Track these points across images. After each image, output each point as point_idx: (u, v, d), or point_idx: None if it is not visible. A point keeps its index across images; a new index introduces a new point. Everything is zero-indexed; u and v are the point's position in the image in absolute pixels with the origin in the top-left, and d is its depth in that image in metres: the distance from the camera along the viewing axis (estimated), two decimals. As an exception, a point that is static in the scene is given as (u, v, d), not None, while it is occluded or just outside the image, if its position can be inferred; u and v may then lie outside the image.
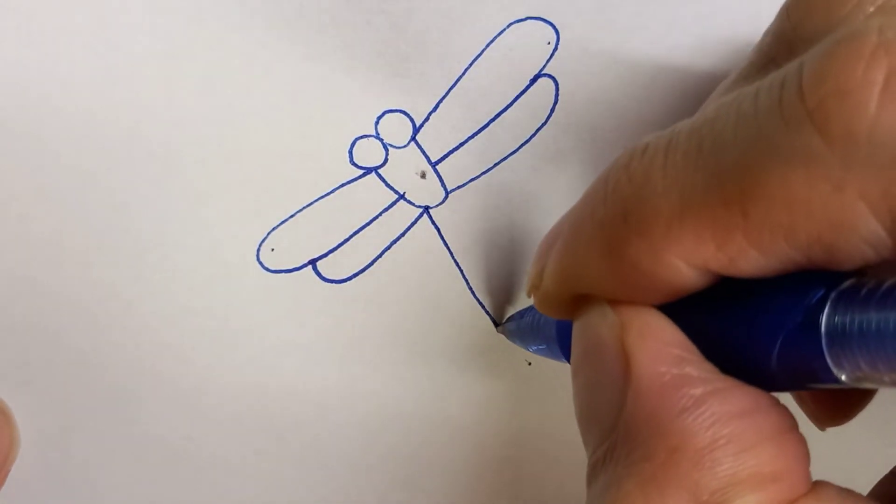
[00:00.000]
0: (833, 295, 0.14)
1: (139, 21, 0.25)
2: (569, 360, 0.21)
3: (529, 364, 0.28)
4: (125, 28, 0.25)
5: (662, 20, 0.26)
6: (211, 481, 0.27)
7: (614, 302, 0.17)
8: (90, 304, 0.26)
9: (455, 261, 0.27)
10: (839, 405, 0.19)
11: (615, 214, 0.16)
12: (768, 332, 0.15)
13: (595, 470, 0.16)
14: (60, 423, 0.27)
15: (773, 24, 0.20)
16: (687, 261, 0.15)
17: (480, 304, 0.27)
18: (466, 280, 0.27)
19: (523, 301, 0.28)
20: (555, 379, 0.28)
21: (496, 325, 0.28)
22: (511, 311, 0.27)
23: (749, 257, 0.14)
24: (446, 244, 0.27)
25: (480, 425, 0.28)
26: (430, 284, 0.27)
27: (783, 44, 0.19)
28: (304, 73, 0.26)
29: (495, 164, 0.27)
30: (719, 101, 0.15)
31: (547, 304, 0.19)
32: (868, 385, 0.14)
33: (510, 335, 0.27)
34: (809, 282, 0.15)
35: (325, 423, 0.27)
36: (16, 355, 0.26)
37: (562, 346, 0.22)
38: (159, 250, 0.26)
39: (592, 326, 0.17)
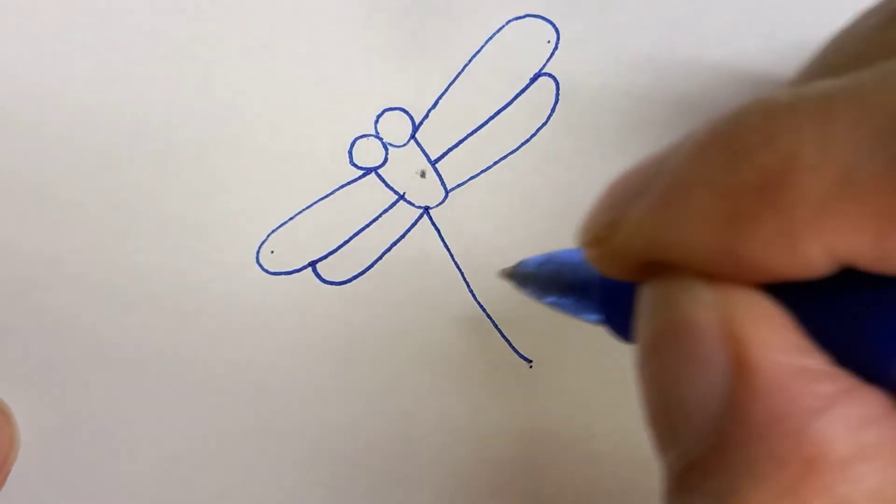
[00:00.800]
0: None
1: (139, 21, 0.25)
2: (607, 322, 0.19)
3: (531, 366, 0.28)
4: (125, 28, 0.25)
5: (663, 19, 0.26)
6: (211, 481, 0.27)
7: (706, 276, 0.14)
8: (90, 305, 0.26)
9: (455, 262, 0.27)
10: None
11: (746, 185, 0.13)
12: (879, 325, 0.13)
13: (691, 476, 0.14)
14: (60, 423, 0.27)
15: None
16: (830, 250, 0.13)
17: (480, 305, 0.27)
18: (466, 281, 0.27)
19: (522, 297, 0.27)
20: (555, 380, 0.28)
21: (513, 277, 0.25)
22: (513, 313, 0.27)
23: None
24: (446, 245, 0.27)
25: (480, 426, 0.27)
26: (430, 286, 0.27)
27: None
28: (303, 73, 0.26)
29: (495, 163, 0.27)
30: (889, 64, 0.13)
31: (612, 262, 0.16)
32: None
33: (521, 280, 0.24)
34: None
35: (325, 424, 0.27)
36: (16, 355, 0.26)
37: (605, 305, 0.19)
38: (159, 251, 0.26)
39: (680, 302, 0.14)
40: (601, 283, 0.19)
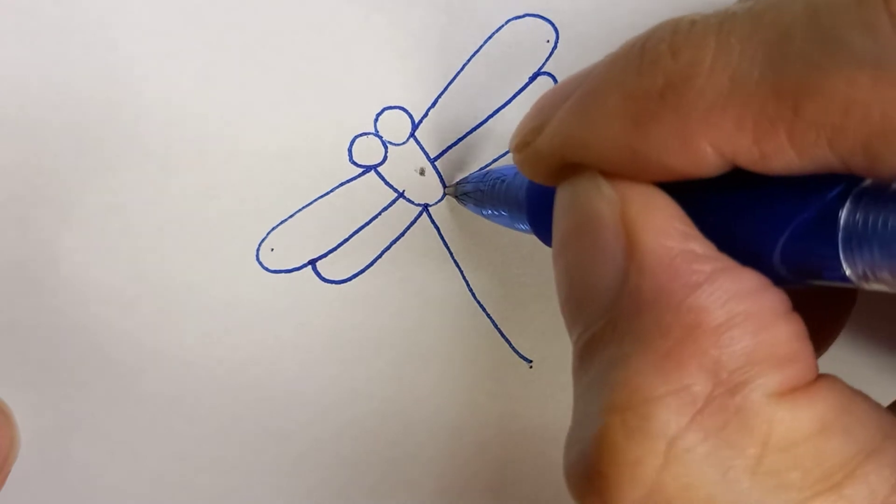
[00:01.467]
0: (855, 190, 0.14)
1: (139, 21, 0.25)
2: (531, 228, 0.21)
3: (531, 366, 0.28)
4: (125, 28, 0.25)
5: (662, 18, 0.26)
6: (211, 481, 0.27)
7: (607, 175, 0.16)
8: (90, 304, 0.26)
9: (454, 260, 0.27)
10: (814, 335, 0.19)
11: (651, 89, 0.15)
12: (777, 221, 0.15)
13: (591, 347, 0.16)
14: (60, 423, 0.27)
15: None
16: (717, 148, 0.14)
17: (479, 304, 0.27)
18: (466, 280, 0.27)
19: (522, 297, 0.27)
20: (555, 380, 0.28)
21: (444, 187, 0.26)
22: (513, 313, 0.27)
23: (784, 156, 0.14)
24: (445, 243, 0.27)
25: (480, 426, 0.27)
26: (429, 284, 0.27)
27: None
28: (302, 72, 0.26)
29: (494, 161, 0.27)
30: None
31: (534, 164, 0.18)
32: (876, 287, 0.14)
33: (463, 196, 0.26)
34: (827, 180, 0.14)
35: (324, 423, 0.27)
36: (16, 355, 0.26)
37: (531, 212, 0.21)
38: (159, 250, 0.26)
39: (586, 199, 0.16)
40: (527, 192, 0.21)
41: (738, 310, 0.14)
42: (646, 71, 0.15)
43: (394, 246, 0.27)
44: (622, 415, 0.14)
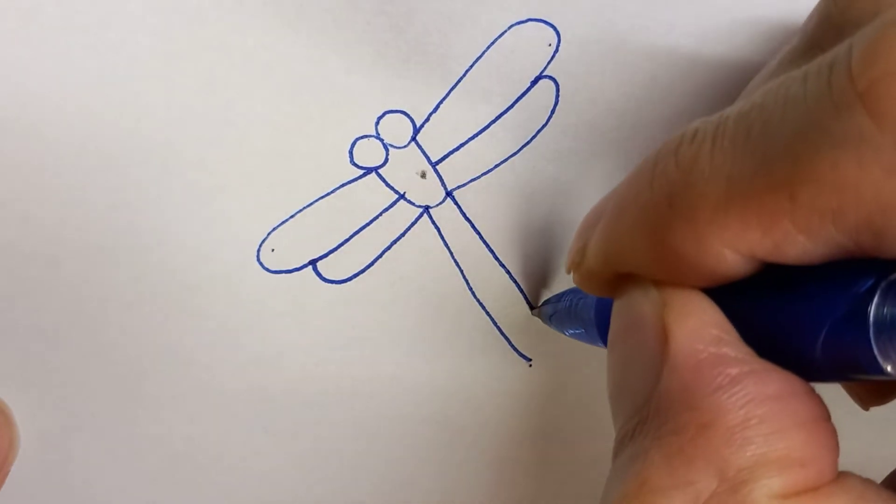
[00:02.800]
0: (883, 285, 0.14)
1: (139, 21, 0.25)
2: (601, 341, 0.22)
3: (530, 365, 0.28)
4: (125, 28, 0.25)
5: (663, 21, 0.26)
6: (211, 481, 0.27)
7: (659, 282, 0.17)
8: (90, 304, 0.26)
9: (455, 261, 0.27)
10: (883, 385, 0.19)
11: (660, 199, 0.16)
12: (814, 320, 0.15)
13: (622, 443, 0.16)
14: (60, 423, 0.27)
15: (817, 8, 0.20)
16: (732, 247, 0.15)
17: (480, 304, 0.27)
18: (466, 280, 0.27)
19: (521, 303, 0.28)
20: (555, 379, 0.28)
21: (531, 307, 0.28)
22: (512, 312, 0.27)
23: (796, 243, 0.14)
24: (446, 244, 0.27)
25: (480, 425, 0.28)
26: (430, 284, 0.27)
27: (829, 28, 0.19)
28: (304, 74, 0.26)
29: (496, 165, 0.27)
30: (766, 86, 0.15)
31: (588, 281, 0.19)
32: None
33: (546, 319, 0.27)
34: (858, 271, 0.14)
35: (324, 422, 0.27)
36: (16, 355, 0.26)
37: (600, 327, 0.22)
38: (159, 250, 0.26)
39: (634, 304, 0.17)
40: (595, 307, 0.22)
41: (755, 412, 0.15)
42: (656, 183, 0.16)
43: (394, 246, 0.27)
44: None
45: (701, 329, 0.16)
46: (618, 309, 0.18)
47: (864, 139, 0.13)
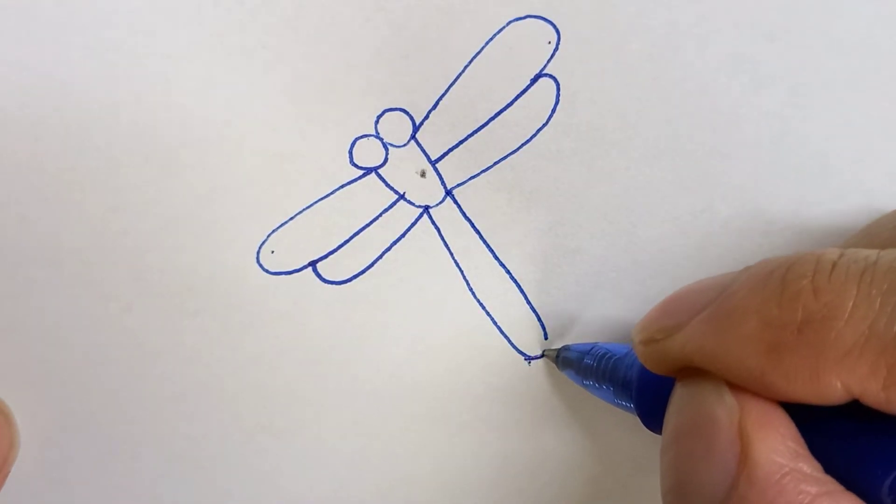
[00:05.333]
0: None
1: (139, 21, 0.25)
2: (637, 410, 0.22)
3: (529, 364, 0.28)
4: (125, 28, 0.25)
5: (664, 20, 0.26)
6: (211, 481, 0.27)
7: (733, 385, 0.17)
8: (90, 304, 0.26)
9: (455, 261, 0.27)
10: None
11: (789, 322, 0.16)
12: (889, 459, 0.16)
13: None
14: (60, 423, 0.27)
15: None
16: (846, 387, 0.16)
17: (480, 304, 0.27)
18: (466, 280, 0.27)
19: (521, 303, 0.27)
20: (553, 379, 0.28)
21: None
22: (512, 312, 0.27)
23: None
24: (446, 244, 0.27)
25: (480, 424, 0.27)
26: (430, 285, 0.27)
27: None
28: (303, 73, 0.26)
29: (495, 163, 0.27)
30: None
31: (659, 360, 0.19)
32: None
33: (561, 363, 0.27)
34: None
35: (324, 422, 0.27)
36: (16, 355, 0.26)
37: (640, 396, 0.22)
38: (159, 251, 0.26)
39: (706, 402, 0.17)
40: (638, 377, 0.22)
41: None
42: (786, 304, 0.16)
43: (394, 247, 0.27)
44: None
45: (780, 442, 0.16)
46: (684, 400, 0.18)
47: None
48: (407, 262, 0.27)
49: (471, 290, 0.27)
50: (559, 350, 0.27)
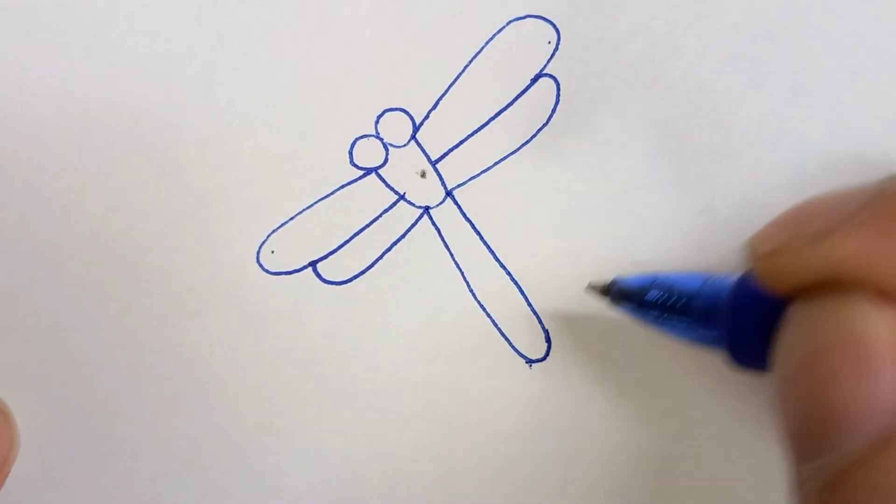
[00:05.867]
0: None
1: (139, 21, 0.25)
2: (728, 341, 0.20)
3: (530, 366, 0.28)
4: (125, 28, 0.25)
5: (664, 20, 0.26)
6: (211, 481, 0.27)
7: (877, 298, 0.16)
8: (90, 304, 0.26)
9: (455, 262, 0.27)
10: None
11: None
12: None
13: (857, 473, 0.15)
14: (60, 423, 0.27)
15: None
16: None
17: (480, 305, 0.27)
18: (466, 281, 0.27)
19: (521, 304, 0.27)
20: (554, 380, 0.28)
21: (607, 293, 0.25)
22: (512, 313, 0.27)
23: None
24: (446, 245, 0.27)
25: (480, 425, 0.27)
26: (430, 286, 0.27)
27: None
28: (303, 73, 0.26)
29: (495, 163, 0.27)
30: None
31: (788, 272, 0.17)
32: None
33: (614, 296, 0.25)
34: None
35: (324, 422, 0.27)
36: (16, 355, 0.26)
37: (733, 325, 0.20)
38: (159, 251, 0.26)
39: (856, 317, 0.16)
40: (734, 300, 0.20)
41: None
42: None
43: (394, 247, 0.27)
44: None
45: None
46: (820, 317, 0.16)
47: None
48: (407, 262, 0.27)
49: (471, 291, 0.27)
50: (609, 285, 0.25)
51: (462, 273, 0.27)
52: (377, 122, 0.26)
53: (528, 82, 0.26)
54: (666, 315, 0.23)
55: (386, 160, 0.27)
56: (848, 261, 0.16)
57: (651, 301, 0.24)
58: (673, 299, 0.23)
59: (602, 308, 0.26)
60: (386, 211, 0.27)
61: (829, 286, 0.16)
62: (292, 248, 0.27)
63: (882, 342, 0.15)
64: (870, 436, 0.15)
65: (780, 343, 0.17)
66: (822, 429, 0.15)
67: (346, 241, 0.27)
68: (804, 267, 0.17)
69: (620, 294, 0.25)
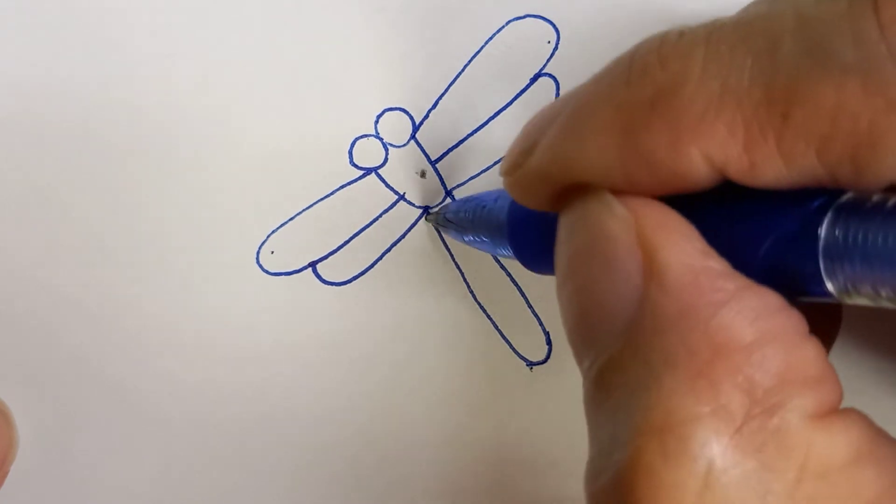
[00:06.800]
0: (836, 204, 0.14)
1: (140, 21, 0.26)
2: (513, 251, 0.21)
3: (531, 369, 0.27)
4: (125, 28, 0.25)
5: (663, 20, 0.26)
6: (211, 481, 0.27)
7: (615, 193, 0.16)
8: (90, 304, 0.26)
9: (455, 262, 0.27)
10: (822, 326, 0.18)
11: (641, 99, 0.15)
12: (758, 234, 0.15)
13: (609, 371, 0.15)
14: (60, 422, 0.27)
15: None
16: (708, 157, 0.14)
17: (480, 305, 0.27)
18: (467, 282, 0.27)
19: (521, 305, 0.27)
20: (555, 381, 0.27)
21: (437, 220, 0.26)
22: (513, 314, 0.27)
23: (773, 166, 0.14)
24: (446, 245, 0.27)
25: (480, 427, 0.27)
26: (429, 286, 0.27)
27: None
28: (302, 73, 0.26)
29: (495, 163, 0.27)
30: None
31: (527, 187, 0.18)
32: (858, 301, 0.14)
33: (444, 222, 0.25)
34: (810, 193, 0.14)
35: (324, 423, 0.27)
36: (16, 355, 0.26)
37: (513, 236, 0.21)
38: (159, 251, 0.26)
39: (597, 219, 0.16)
40: (509, 215, 0.21)
41: (766, 328, 0.14)
42: (635, 82, 0.15)
43: (394, 248, 0.27)
44: (659, 437, 0.14)
45: (686, 242, 0.15)
46: (571, 225, 0.16)
47: (875, 68, 0.13)
48: (407, 263, 0.27)
49: (471, 292, 0.27)
50: (437, 213, 0.26)
51: (462, 274, 0.27)
52: (377, 121, 0.26)
53: (528, 82, 0.26)
54: (476, 236, 0.23)
55: (386, 160, 0.27)
56: (550, 167, 0.16)
57: (452, 220, 0.24)
58: (469, 217, 0.23)
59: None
60: (386, 211, 0.27)
61: (581, 190, 0.16)
62: (292, 249, 0.27)
63: (613, 240, 0.15)
64: (620, 331, 0.15)
65: (555, 252, 0.17)
66: (586, 329, 0.16)
67: (346, 242, 0.27)
68: (530, 181, 0.17)
69: (442, 222, 0.25)
